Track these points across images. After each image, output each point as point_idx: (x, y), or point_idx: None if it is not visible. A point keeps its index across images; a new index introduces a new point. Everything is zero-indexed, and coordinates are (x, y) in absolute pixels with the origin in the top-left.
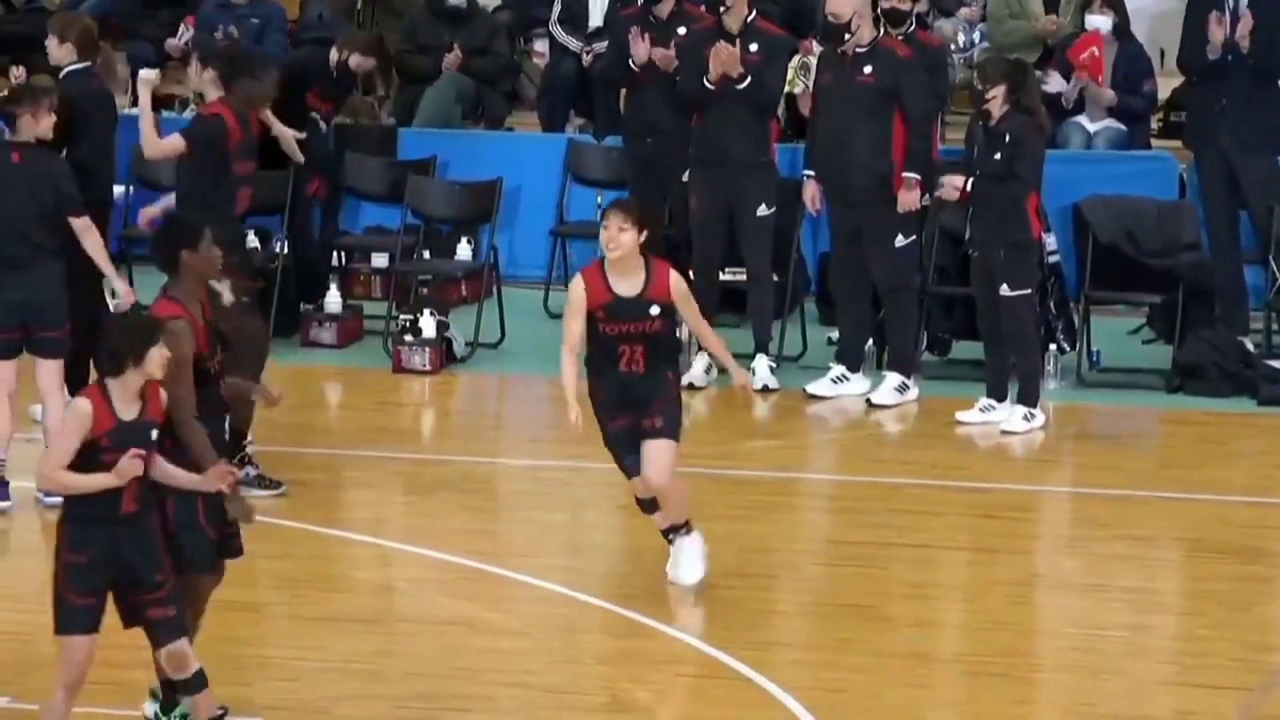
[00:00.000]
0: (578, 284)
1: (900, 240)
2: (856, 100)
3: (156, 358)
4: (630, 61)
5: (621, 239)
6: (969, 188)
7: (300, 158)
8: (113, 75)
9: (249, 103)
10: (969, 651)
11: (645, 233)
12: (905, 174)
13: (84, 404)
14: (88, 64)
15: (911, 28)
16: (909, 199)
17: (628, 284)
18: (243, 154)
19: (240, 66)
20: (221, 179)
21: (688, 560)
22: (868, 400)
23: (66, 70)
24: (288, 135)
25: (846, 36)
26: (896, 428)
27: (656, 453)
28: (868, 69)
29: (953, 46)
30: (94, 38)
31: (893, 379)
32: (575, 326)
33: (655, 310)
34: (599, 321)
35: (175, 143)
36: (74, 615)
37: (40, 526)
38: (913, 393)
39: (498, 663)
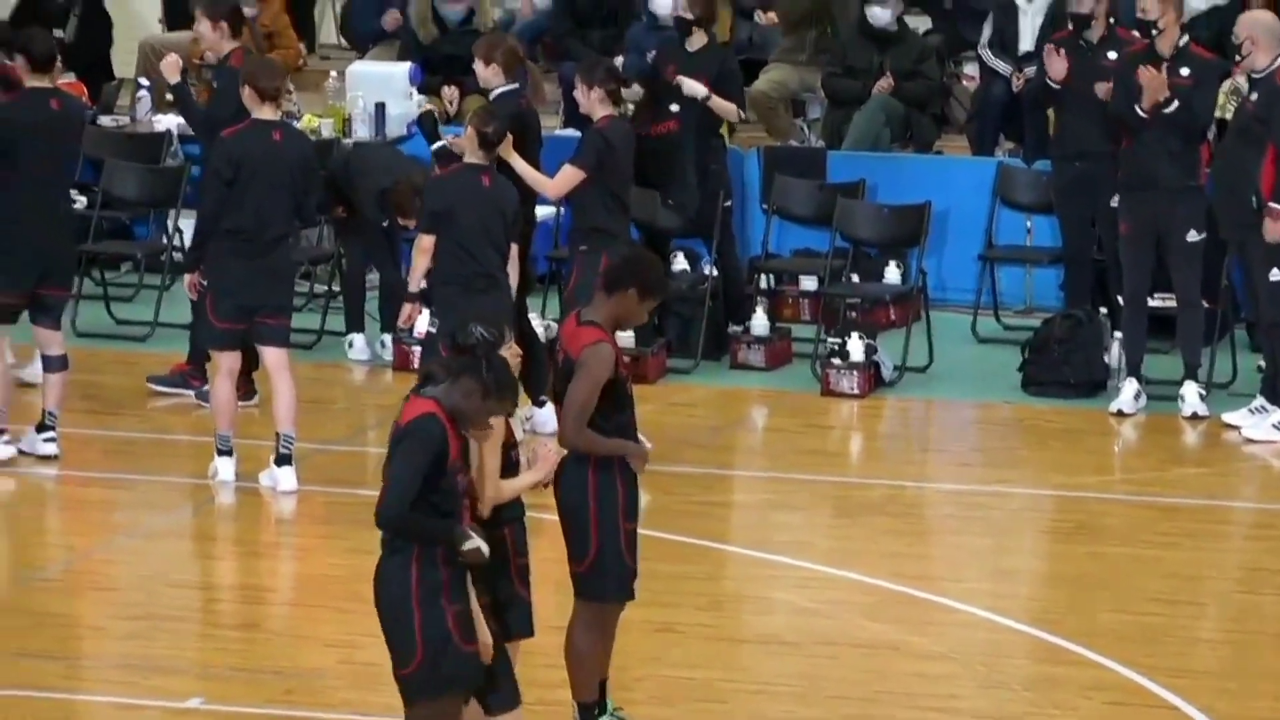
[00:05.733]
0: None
1: (1276, 275)
2: (1240, 127)
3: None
4: (1047, 80)
5: None
6: None
7: None
8: (540, 96)
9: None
10: None
11: None
12: (1270, 204)
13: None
14: (515, 85)
15: None
16: (1274, 230)
17: None
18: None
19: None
20: (615, 196)
21: None
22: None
23: (496, 92)
24: None
25: (1237, 59)
26: None
27: None
28: (1254, 95)
29: None
30: (519, 59)
31: (1274, 414)
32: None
33: None
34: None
35: (570, 175)
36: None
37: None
38: None
39: (923, 687)
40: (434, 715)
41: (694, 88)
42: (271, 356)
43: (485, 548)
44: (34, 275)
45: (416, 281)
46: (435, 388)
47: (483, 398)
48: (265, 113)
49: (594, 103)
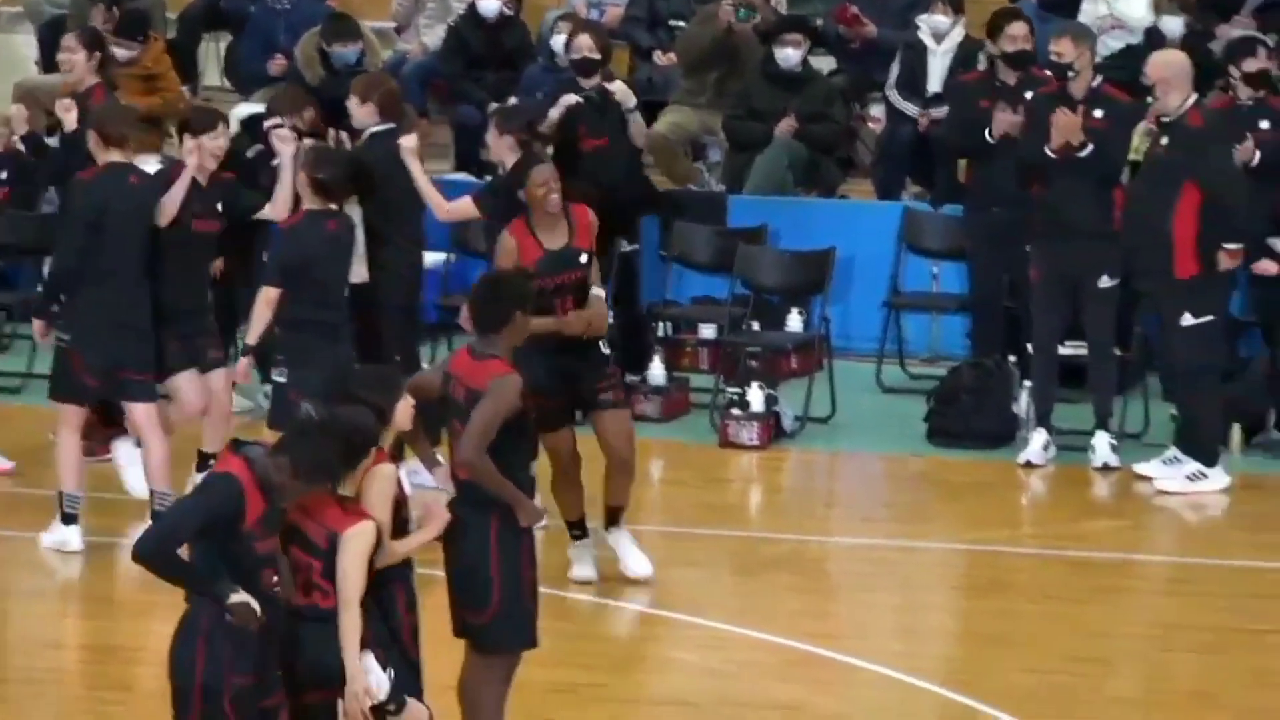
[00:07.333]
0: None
1: (1188, 320)
2: (1151, 170)
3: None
4: (986, 133)
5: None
6: None
7: None
8: (423, 139)
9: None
10: None
11: None
12: (1227, 245)
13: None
14: (391, 125)
15: None
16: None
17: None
18: None
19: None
20: None
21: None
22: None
23: (369, 132)
24: None
25: (1149, 100)
26: (1243, 509)
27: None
28: (1164, 140)
29: None
30: (397, 100)
31: (1188, 465)
32: None
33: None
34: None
35: (466, 206)
36: None
37: None
38: (1212, 482)
39: None
40: None
41: (624, 92)
42: (139, 413)
43: (255, 604)
44: None
45: (257, 335)
46: (254, 448)
47: (292, 476)
48: (114, 156)
49: (504, 149)
